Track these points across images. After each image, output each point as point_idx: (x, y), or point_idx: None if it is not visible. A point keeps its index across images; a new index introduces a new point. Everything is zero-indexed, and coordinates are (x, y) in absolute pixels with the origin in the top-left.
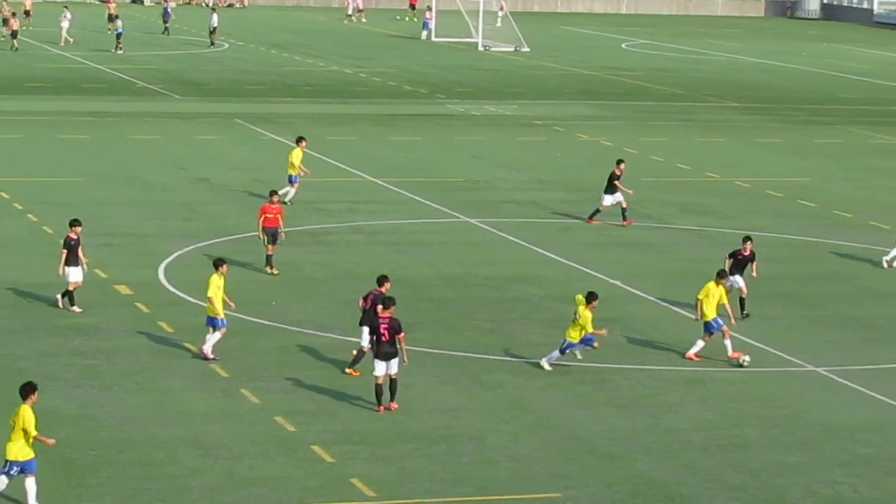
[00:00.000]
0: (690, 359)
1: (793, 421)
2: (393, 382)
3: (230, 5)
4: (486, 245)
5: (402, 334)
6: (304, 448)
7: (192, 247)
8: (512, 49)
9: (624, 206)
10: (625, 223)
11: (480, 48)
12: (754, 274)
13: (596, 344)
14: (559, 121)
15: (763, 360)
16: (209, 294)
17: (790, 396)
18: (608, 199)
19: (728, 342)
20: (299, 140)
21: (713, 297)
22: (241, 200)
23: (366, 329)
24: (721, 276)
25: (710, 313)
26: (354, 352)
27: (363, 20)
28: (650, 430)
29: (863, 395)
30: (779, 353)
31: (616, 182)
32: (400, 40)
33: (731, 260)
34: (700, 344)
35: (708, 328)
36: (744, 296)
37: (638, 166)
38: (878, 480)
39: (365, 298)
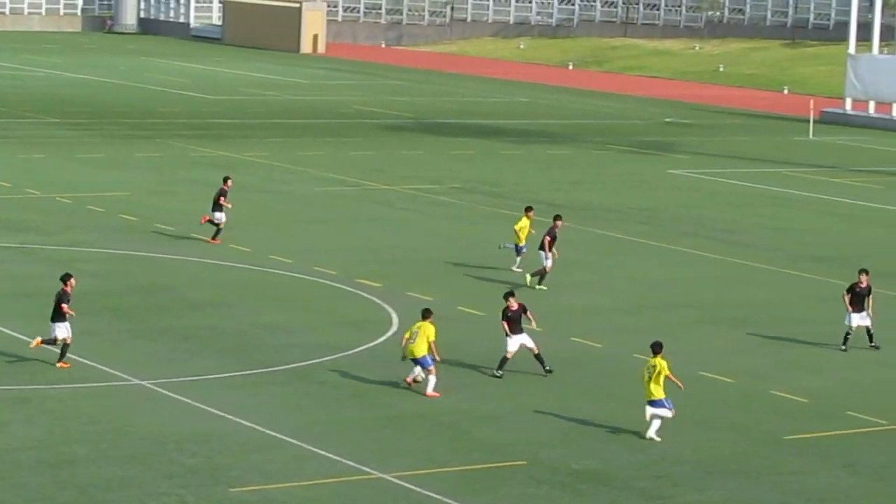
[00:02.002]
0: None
1: (120, 435)
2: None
3: None
4: None
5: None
6: None
7: None
8: None
9: (222, 225)
10: (214, 241)
11: None
12: (533, 324)
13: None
14: None
15: (89, 375)
16: None
17: (117, 411)
18: (220, 216)
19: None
20: None
21: (424, 335)
22: None
23: (57, 325)
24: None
25: (420, 351)
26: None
27: None
28: None
29: (188, 406)
30: (104, 368)
31: (222, 199)
32: None
33: (507, 322)
34: (431, 380)
35: (422, 363)
36: (536, 353)
37: None
38: (206, 490)
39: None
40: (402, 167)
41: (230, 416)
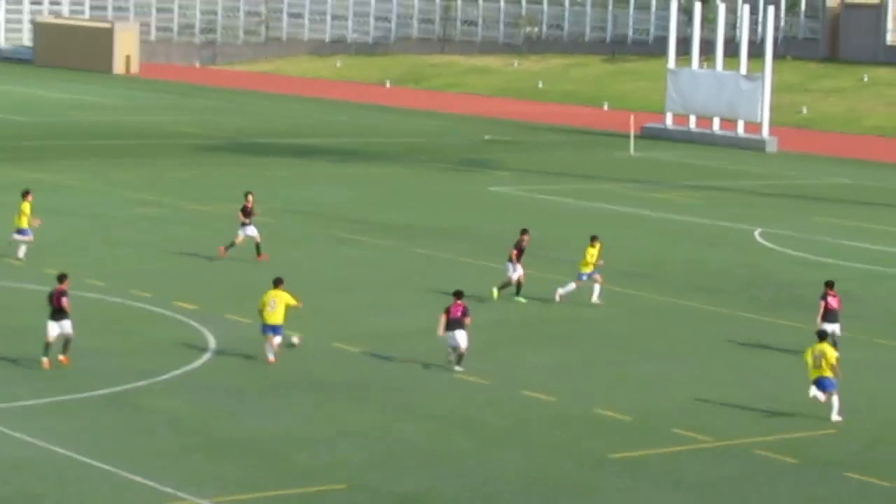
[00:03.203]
0: None
1: None
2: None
3: None
4: None
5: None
6: None
7: None
8: None
9: (258, 240)
10: (260, 258)
11: None
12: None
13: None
14: None
15: None
16: None
17: None
18: (251, 231)
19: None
20: (26, 193)
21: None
22: None
23: (63, 322)
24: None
25: (279, 319)
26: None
27: None
28: None
29: (0, 434)
30: None
31: (246, 216)
32: None
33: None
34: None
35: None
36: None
37: None
38: None
39: (51, 298)
40: (219, 188)
41: (44, 444)
